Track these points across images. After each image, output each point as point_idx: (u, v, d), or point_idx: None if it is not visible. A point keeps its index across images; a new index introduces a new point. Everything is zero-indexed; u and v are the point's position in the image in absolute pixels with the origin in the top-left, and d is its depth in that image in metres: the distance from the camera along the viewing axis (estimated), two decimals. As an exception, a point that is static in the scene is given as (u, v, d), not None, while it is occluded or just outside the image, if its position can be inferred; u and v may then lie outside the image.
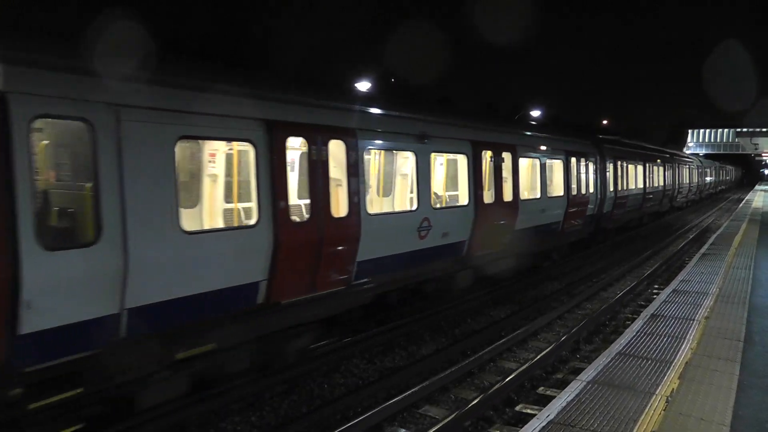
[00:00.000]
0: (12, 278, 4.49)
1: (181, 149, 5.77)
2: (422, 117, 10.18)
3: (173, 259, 5.49)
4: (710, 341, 6.63)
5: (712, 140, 68.15)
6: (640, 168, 24.39)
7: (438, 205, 10.34)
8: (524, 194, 13.85)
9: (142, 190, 5.15)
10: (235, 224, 6.36)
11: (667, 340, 6.68)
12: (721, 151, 65.93)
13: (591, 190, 18.13)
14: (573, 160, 16.99)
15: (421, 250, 9.97)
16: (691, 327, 7.25)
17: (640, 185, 24.23)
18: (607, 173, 20.09)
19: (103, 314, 5.14)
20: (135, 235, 5.14)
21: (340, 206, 7.41)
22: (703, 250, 14.33)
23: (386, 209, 9.57)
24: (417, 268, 9.78)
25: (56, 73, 4.86)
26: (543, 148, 15.42)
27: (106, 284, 5.02)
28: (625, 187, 22.10)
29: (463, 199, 11.45)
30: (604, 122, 59.78)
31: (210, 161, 6.66)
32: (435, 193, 10.35)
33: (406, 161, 9.88)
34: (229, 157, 6.61)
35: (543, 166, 15.10)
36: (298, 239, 6.78)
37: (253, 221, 6.26)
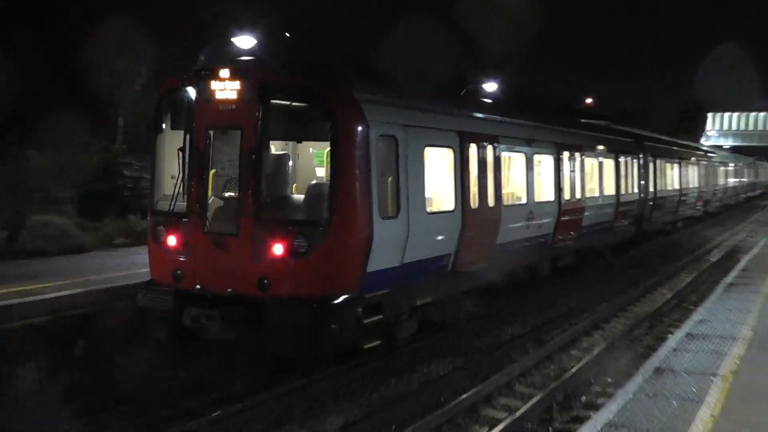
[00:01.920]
0: (370, 236, 10.59)
1: (426, 154, 12.15)
2: (530, 123, 17.21)
3: (424, 230, 11.80)
4: (739, 405, 6.14)
5: (742, 127, 64.05)
6: (675, 167, 31.76)
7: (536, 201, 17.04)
8: (590, 193, 20.76)
9: (414, 181, 11.47)
10: (444, 209, 12.73)
11: (676, 405, 6.29)
12: (757, 143, 60.31)
13: (636, 189, 25.54)
14: (622, 159, 24.27)
15: (527, 239, 16.69)
16: (711, 385, 6.93)
17: (676, 186, 31.67)
18: (649, 172, 27.99)
19: (396, 264, 11.38)
20: (412, 213, 11.43)
21: (492, 197, 14.02)
22: (730, 278, 14.85)
23: (513, 202, 16.09)
24: (525, 254, 16.56)
25: (382, 107, 11.11)
26: (600, 147, 22.54)
27: (400, 244, 11.27)
28: (663, 188, 29.63)
29: (549, 195, 18.29)
30: (588, 101, 63.68)
31: (435, 162, 12.88)
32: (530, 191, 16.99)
33: (521, 161, 16.41)
34: (442, 159, 12.98)
35: (600, 166, 22.25)
36: (476, 221, 13.37)
37: (451, 207, 12.76)
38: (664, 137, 34.46)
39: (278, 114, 10.53)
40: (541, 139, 17.32)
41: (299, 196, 11.30)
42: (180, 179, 10.88)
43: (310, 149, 12.62)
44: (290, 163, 11.72)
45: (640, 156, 26.10)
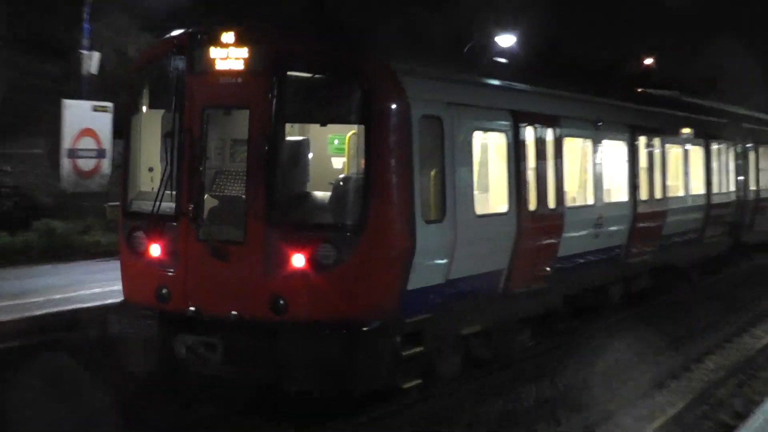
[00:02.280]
0: (412, 245, 11.93)
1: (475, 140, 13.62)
2: (598, 99, 18.73)
3: (473, 238, 13.23)
4: None
5: None
6: None
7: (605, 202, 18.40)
8: (672, 192, 22.24)
9: (461, 174, 13.02)
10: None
11: None
12: None
13: (732, 187, 27.12)
14: (714, 146, 25.95)
15: (594, 252, 18.18)
16: None
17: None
18: (749, 164, 29.42)
19: (440, 281, 12.77)
20: (459, 215, 12.85)
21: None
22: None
23: (578, 203, 17.54)
24: (591, 272, 18.03)
25: (424, 80, 12.49)
26: (685, 130, 24.17)
27: (445, 256, 12.71)
28: (765, 186, 31.58)
29: (621, 194, 19.78)
30: (647, 62, 64.84)
31: (484, 150, 14.32)
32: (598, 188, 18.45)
33: (587, 149, 17.76)
34: (491, 146, 14.55)
35: (686, 155, 23.84)
36: (534, 228, 14.96)
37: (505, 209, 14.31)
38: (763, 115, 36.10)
39: (297, 90, 11.85)
40: (611, 119, 18.83)
41: (322, 194, 12.68)
42: (167, 173, 12.24)
43: (327, 134, 14.04)
44: (310, 152, 13.14)
45: (738, 142, 27.80)
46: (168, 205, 12.28)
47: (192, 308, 11.98)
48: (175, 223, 12.22)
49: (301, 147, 12.86)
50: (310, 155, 13.10)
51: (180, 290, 12.14)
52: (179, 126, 12.19)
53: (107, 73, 29.42)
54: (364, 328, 11.51)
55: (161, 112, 12.84)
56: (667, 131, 22.03)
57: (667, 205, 21.65)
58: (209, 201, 12.54)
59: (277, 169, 11.82)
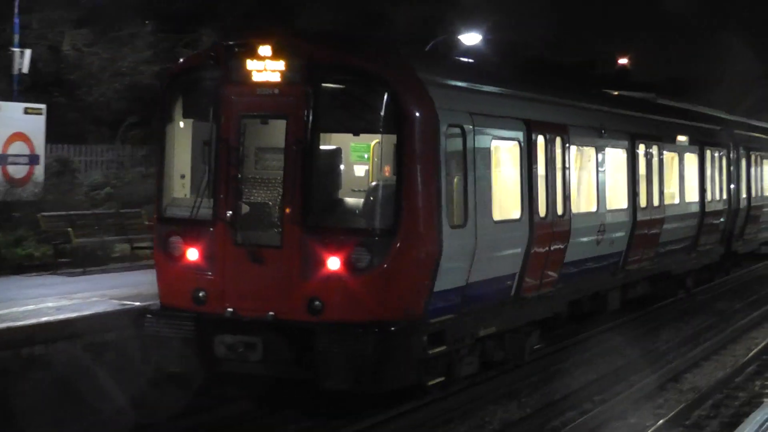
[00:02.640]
0: (439, 249, 13.54)
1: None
2: (601, 107, 20.54)
3: (491, 243, 14.94)
4: None
5: None
6: None
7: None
8: (669, 199, 24.02)
9: (481, 182, 14.74)
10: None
11: None
12: None
13: (724, 195, 28.96)
14: (708, 152, 27.81)
15: (596, 258, 19.93)
16: None
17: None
18: (741, 171, 31.41)
19: (461, 284, 14.52)
20: (479, 221, 14.55)
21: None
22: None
23: (582, 210, 19.27)
24: (593, 278, 19.81)
25: (448, 90, 14.22)
26: (681, 138, 26.09)
27: (467, 259, 14.37)
28: (760, 193, 33.47)
29: (621, 201, 21.55)
30: (622, 61, 66.53)
31: (499, 159, 16.04)
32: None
33: (590, 157, 19.44)
34: (506, 155, 16.29)
35: (681, 162, 25.71)
36: (545, 233, 16.69)
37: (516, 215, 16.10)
38: (759, 123, 38.19)
39: (331, 101, 13.46)
40: (613, 127, 20.58)
41: (356, 200, 14.26)
42: (206, 180, 13.76)
43: (350, 143, 15.60)
44: (342, 160, 14.74)
45: (730, 149, 29.75)
46: (204, 211, 13.81)
47: (229, 310, 13.49)
48: (212, 228, 13.72)
49: (335, 155, 14.47)
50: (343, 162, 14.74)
51: (217, 293, 13.62)
52: (217, 135, 13.74)
53: (40, 71, 29.24)
54: (397, 328, 13.09)
55: (191, 122, 14.40)
56: (665, 138, 23.85)
57: (665, 213, 23.48)
58: (244, 207, 14.03)
59: (314, 176, 13.40)
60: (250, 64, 13.60)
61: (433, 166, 13.45)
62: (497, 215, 15.45)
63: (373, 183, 14.43)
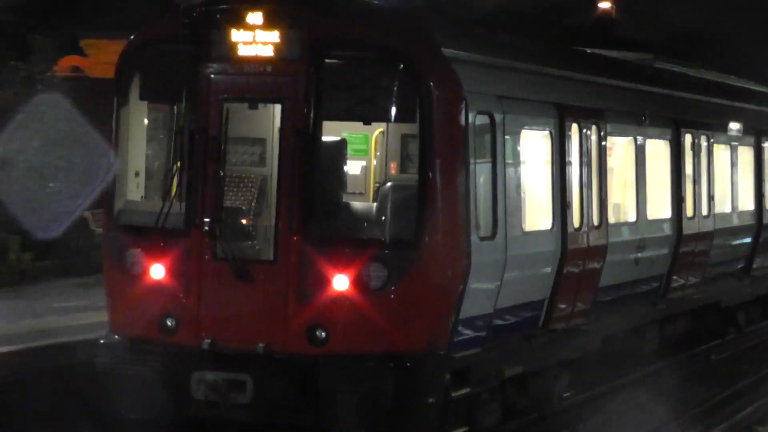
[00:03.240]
0: (468, 265, 15.83)
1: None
2: (640, 87, 23.37)
3: (522, 260, 17.50)
4: None
5: None
6: None
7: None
8: (719, 208, 26.86)
9: (511, 183, 17.33)
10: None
11: None
12: None
13: None
14: (767, 145, 31.08)
15: (634, 282, 22.71)
16: None
17: None
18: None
19: (489, 311, 16.97)
20: (509, 232, 17.11)
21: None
22: None
23: (620, 219, 22.08)
24: (629, 308, 22.67)
25: (476, 70, 16.64)
26: (734, 125, 28.88)
27: (495, 279, 16.94)
28: None
29: (664, 210, 24.34)
30: (603, 6, 66.50)
31: (528, 153, 18.56)
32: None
33: (628, 150, 22.33)
34: (535, 149, 18.74)
35: (733, 157, 28.58)
36: (579, 249, 19.47)
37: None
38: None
39: (338, 82, 15.72)
40: (655, 113, 23.47)
41: (366, 204, 16.67)
42: (175, 178, 16.03)
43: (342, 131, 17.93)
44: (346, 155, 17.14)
45: None
46: (173, 218, 15.98)
47: (207, 341, 15.74)
48: (184, 239, 15.99)
49: (340, 149, 16.85)
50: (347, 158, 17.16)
51: (191, 319, 15.82)
52: (190, 122, 16.03)
53: None
54: (421, 362, 15.44)
55: (149, 105, 16.75)
56: (715, 126, 26.81)
57: (715, 225, 26.43)
58: (226, 212, 16.26)
59: (317, 174, 15.68)
60: (236, 35, 15.86)
61: (462, 163, 15.85)
62: (528, 225, 18.15)
63: (389, 183, 16.92)
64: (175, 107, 16.53)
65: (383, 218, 16.14)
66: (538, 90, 18.83)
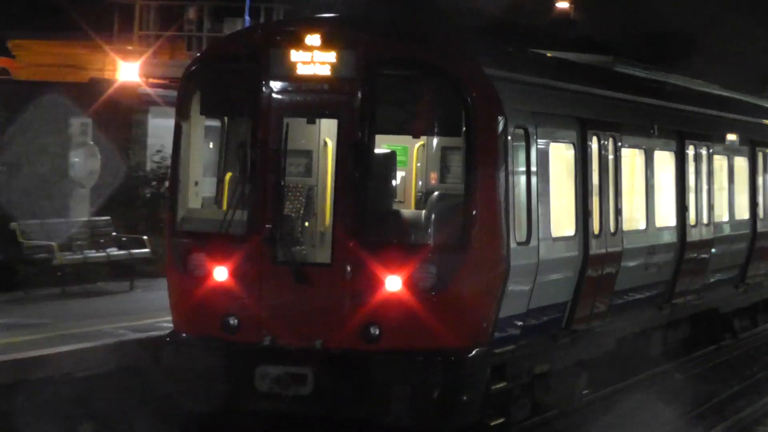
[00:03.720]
0: (508, 267, 18.17)
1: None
2: (649, 100, 26.05)
3: (551, 263, 19.98)
4: None
5: None
6: None
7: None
8: (718, 216, 29.45)
9: (542, 192, 19.95)
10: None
11: None
12: None
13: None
14: (761, 155, 33.43)
15: (643, 288, 25.40)
16: None
17: None
18: None
19: (522, 311, 19.43)
20: (542, 237, 19.65)
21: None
22: None
23: (632, 227, 24.53)
24: (638, 312, 25.40)
25: (513, 86, 19.13)
26: (731, 136, 31.34)
27: (530, 281, 19.42)
28: None
29: (669, 217, 26.91)
30: (561, 6, 66.16)
31: (555, 165, 21.05)
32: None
33: (638, 162, 24.84)
34: (560, 161, 21.36)
35: (730, 169, 30.81)
36: (599, 253, 22.11)
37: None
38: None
39: (390, 99, 18.02)
40: (662, 125, 25.87)
41: (415, 211, 18.99)
42: (240, 188, 18.36)
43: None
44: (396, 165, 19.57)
45: None
46: (235, 225, 18.35)
47: (267, 338, 18.04)
48: (246, 244, 18.28)
49: (391, 160, 19.20)
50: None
51: (252, 319, 18.10)
52: (253, 136, 18.33)
53: None
54: (468, 357, 17.71)
55: (210, 120, 19.11)
56: (714, 137, 29.32)
57: (714, 233, 28.91)
58: (285, 218, 18.61)
59: (370, 183, 17.98)
60: (295, 56, 18.17)
61: (502, 173, 18.11)
62: (556, 231, 20.56)
63: (437, 192, 19.15)
64: (236, 122, 18.94)
65: (432, 224, 18.41)
66: (564, 105, 21.22)
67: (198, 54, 19.63)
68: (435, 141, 19.81)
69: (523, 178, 19.26)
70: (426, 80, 18.41)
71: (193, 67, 19.50)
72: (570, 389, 22.21)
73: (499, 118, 18.38)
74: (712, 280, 29.62)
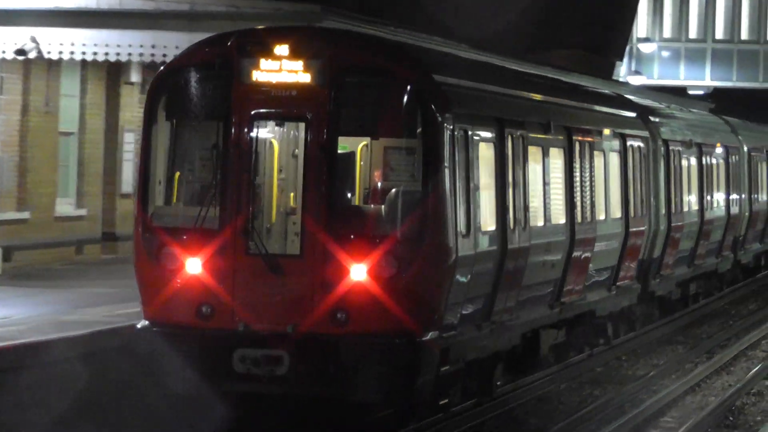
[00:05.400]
0: (456, 257, 24.24)
1: None
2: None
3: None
4: None
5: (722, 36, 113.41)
6: (694, 162, 47.62)
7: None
8: (600, 213, 35.79)
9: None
10: None
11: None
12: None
13: (645, 209, 40.93)
14: (631, 149, 39.37)
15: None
16: None
17: (695, 204, 47.77)
18: (660, 176, 42.85)
19: (459, 301, 25.62)
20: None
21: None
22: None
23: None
24: None
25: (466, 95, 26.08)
26: (606, 131, 37.43)
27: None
28: (679, 208, 45.39)
29: (559, 214, 33.10)
30: None
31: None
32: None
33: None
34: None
35: (605, 164, 36.93)
36: None
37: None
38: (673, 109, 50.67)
39: (352, 103, 23.27)
40: (556, 122, 31.78)
41: (377, 206, 23.94)
42: (215, 185, 23.35)
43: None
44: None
45: (649, 143, 41.92)
46: (208, 220, 23.50)
47: (241, 324, 23.06)
48: (218, 238, 23.40)
49: (352, 159, 24.27)
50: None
51: (226, 307, 23.11)
52: (225, 138, 23.46)
53: None
54: (425, 340, 22.97)
55: (175, 122, 24.19)
56: (594, 133, 36.12)
57: (596, 231, 35.70)
58: (256, 214, 23.62)
59: (335, 181, 23.11)
60: (265, 64, 23.38)
61: (453, 170, 23.69)
62: (484, 225, 26.31)
63: (394, 189, 24.28)
64: (209, 125, 24.25)
65: (392, 218, 23.89)
66: (485, 106, 27.17)
67: (171, 62, 25.13)
68: (377, 141, 25.43)
69: (464, 176, 24.83)
70: (386, 87, 24.03)
71: (164, 73, 24.92)
72: (488, 379, 28.61)
73: (449, 121, 23.95)
74: (590, 281, 36.09)
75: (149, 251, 24.31)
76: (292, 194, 24.96)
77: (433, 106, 23.99)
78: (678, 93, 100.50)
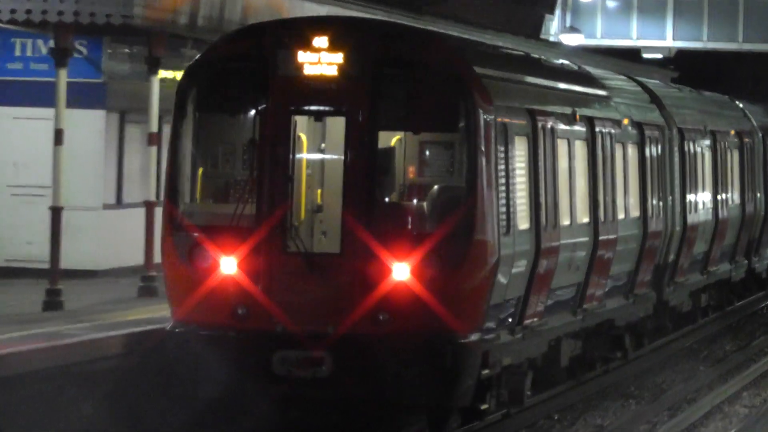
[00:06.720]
0: (499, 257, 26.40)
1: None
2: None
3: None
4: None
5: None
6: (708, 153, 49.05)
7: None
8: (620, 207, 38.17)
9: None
10: None
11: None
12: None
13: (662, 208, 43.23)
14: (648, 140, 41.63)
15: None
16: None
17: (709, 201, 49.65)
18: (675, 168, 45.08)
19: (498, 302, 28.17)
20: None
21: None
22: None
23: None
24: None
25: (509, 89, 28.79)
26: (625, 121, 40.16)
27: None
28: (694, 206, 47.32)
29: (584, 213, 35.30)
30: None
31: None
32: None
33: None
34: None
35: (624, 157, 39.77)
36: None
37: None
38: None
39: (394, 97, 25.20)
40: (580, 113, 34.24)
41: (417, 203, 25.87)
42: (251, 181, 25.21)
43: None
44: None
45: (665, 134, 44.62)
46: (244, 217, 25.50)
47: (279, 325, 24.98)
48: (254, 236, 25.35)
49: (393, 154, 26.11)
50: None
51: (263, 307, 25.04)
52: (261, 133, 25.41)
53: None
54: (470, 340, 25.04)
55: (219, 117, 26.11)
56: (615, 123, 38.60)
57: (618, 230, 38.32)
58: (294, 211, 25.48)
59: (376, 177, 25.02)
60: (302, 56, 25.46)
61: (496, 166, 25.86)
62: (520, 224, 28.54)
63: (437, 185, 26.57)
64: (243, 119, 26.33)
65: (436, 215, 26.15)
66: (516, 95, 29.41)
67: (206, 51, 27.11)
68: (412, 136, 27.63)
69: (504, 171, 27.00)
70: (426, 80, 26.15)
71: (195, 66, 27.00)
72: (520, 387, 30.85)
73: (492, 113, 26.08)
74: (610, 285, 38.99)
75: (180, 250, 26.46)
76: (318, 191, 27.29)
77: (477, 99, 26.10)
78: (629, 57, 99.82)
